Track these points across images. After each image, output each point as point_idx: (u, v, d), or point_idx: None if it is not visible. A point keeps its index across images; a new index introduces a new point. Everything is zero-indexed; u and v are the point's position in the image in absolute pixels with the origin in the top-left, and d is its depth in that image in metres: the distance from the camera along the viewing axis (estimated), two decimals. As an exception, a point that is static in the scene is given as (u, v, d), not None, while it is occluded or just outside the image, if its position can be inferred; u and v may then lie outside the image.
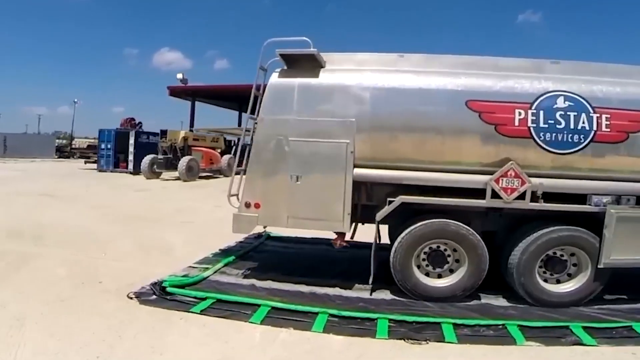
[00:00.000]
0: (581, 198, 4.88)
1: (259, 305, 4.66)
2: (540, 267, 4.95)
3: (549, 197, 4.87)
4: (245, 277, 5.75)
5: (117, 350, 3.76)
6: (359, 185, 5.36)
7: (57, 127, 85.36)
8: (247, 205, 5.29)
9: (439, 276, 5.08)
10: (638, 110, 4.77)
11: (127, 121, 25.40)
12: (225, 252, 6.90)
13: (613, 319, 4.53)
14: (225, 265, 6.22)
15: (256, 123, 5.32)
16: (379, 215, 5.02)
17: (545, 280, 4.97)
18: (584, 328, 4.27)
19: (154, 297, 4.90)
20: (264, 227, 5.49)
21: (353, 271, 5.89)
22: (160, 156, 19.91)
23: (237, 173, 5.57)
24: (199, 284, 5.37)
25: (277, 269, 6.03)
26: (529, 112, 4.71)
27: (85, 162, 26.83)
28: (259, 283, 5.48)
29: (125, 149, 23.01)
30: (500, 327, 4.28)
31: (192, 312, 4.55)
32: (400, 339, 4.07)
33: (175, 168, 19.31)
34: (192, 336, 4.07)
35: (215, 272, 5.86)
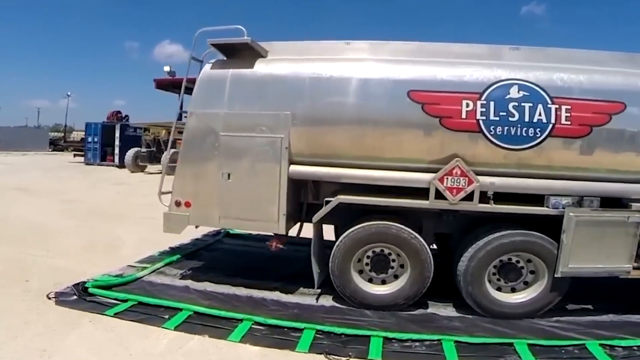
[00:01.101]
0: (540, 199, 4.60)
1: (181, 310, 4.51)
2: (494, 274, 4.69)
3: (506, 198, 4.61)
4: (183, 277, 5.57)
5: (5, 351, 3.67)
6: (304, 183, 5.17)
7: (59, 120, 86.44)
8: (177, 203, 5.09)
9: (384, 282, 4.85)
10: (604, 101, 4.39)
11: (113, 114, 25.56)
12: (173, 250, 6.75)
13: (567, 335, 4.22)
14: (167, 264, 6.06)
15: (186, 117, 5.15)
16: (316, 216, 4.78)
17: (499, 289, 4.67)
18: (530, 346, 3.94)
19: (74, 297, 4.78)
20: (196, 226, 5.33)
21: (305, 273, 5.67)
22: (143, 149, 19.99)
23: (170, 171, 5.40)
24: (129, 284, 5.23)
25: (222, 269, 5.84)
26: (478, 103, 4.36)
27: (75, 156, 27.01)
28: (194, 285, 5.30)
29: (112, 142, 23.14)
30: (436, 342, 3.98)
31: (105, 314, 4.41)
32: (320, 353, 3.81)
33: (159, 161, 19.32)
34: (93, 341, 3.89)
35: (152, 271, 5.70)
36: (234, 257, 6.71)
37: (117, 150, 22.82)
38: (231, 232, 7.87)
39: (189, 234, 7.10)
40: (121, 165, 21.55)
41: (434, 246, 6.07)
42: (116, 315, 4.40)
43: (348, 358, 3.76)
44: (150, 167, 20.53)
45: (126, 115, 26.10)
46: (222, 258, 6.67)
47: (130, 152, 19.92)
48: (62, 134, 40.25)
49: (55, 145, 38.06)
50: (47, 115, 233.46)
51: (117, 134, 22.84)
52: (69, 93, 43.79)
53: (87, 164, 23.83)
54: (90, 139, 24.10)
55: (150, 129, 21.38)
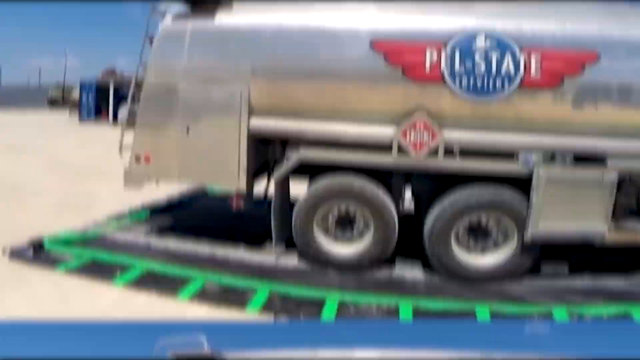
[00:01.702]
0: (512, 157, 4.43)
1: (134, 267, 4.55)
2: (463, 235, 4.59)
3: (476, 156, 4.45)
4: (147, 235, 5.62)
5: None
6: (271, 140, 5.07)
7: (61, 78, 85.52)
8: (137, 158, 5.05)
9: (350, 242, 4.80)
10: (577, 50, 4.17)
11: (107, 72, 25.33)
12: (145, 208, 6.77)
13: (535, 301, 4.13)
14: (135, 221, 6.13)
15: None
16: (277, 174, 4.74)
17: (468, 251, 4.59)
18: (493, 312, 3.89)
19: (29, 253, 4.83)
20: (157, 183, 5.31)
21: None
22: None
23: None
24: (90, 241, 5.28)
25: (192, 228, 5.81)
26: (443, 52, 4.18)
27: (70, 115, 27.01)
28: (156, 242, 5.35)
29: (106, 100, 23.00)
30: (393, 306, 3.96)
31: (56, 271, 4.47)
32: (272, 313, 3.84)
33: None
34: (35, 297, 3.97)
35: (117, 228, 5.78)
36: (207, 216, 6.72)
37: (111, 109, 22.69)
38: (209, 190, 7.84)
39: (166, 192, 7.08)
40: (115, 123, 21.46)
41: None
42: (67, 271, 4.45)
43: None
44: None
45: (122, 72, 25.82)
46: (194, 216, 6.68)
47: (125, 110, 19.71)
48: (61, 93, 39.93)
49: (53, 104, 37.92)
50: (50, 73, 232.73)
51: (111, 92, 22.66)
52: (66, 50, 43.37)
53: (81, 122, 23.80)
54: (84, 98, 23.98)
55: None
